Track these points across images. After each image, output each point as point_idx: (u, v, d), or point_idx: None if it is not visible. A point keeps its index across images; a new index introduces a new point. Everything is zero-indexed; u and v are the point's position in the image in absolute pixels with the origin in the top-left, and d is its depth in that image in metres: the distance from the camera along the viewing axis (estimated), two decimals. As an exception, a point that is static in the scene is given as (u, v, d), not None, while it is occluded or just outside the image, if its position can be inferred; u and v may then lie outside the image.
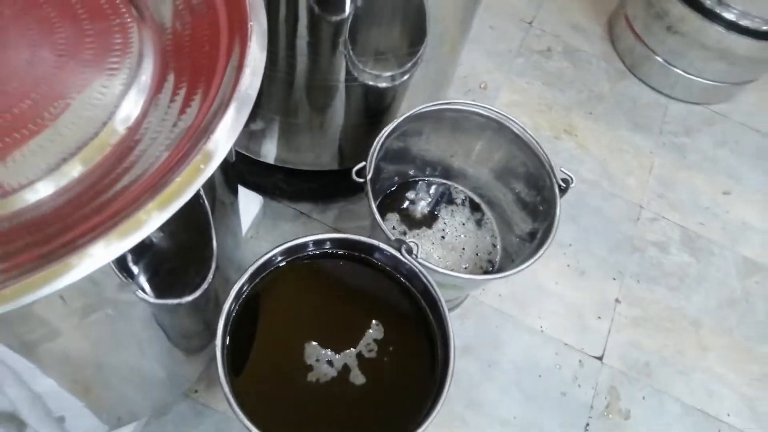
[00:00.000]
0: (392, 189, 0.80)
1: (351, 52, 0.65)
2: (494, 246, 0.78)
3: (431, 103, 0.72)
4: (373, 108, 0.76)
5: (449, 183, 0.83)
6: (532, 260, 0.65)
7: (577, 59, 1.17)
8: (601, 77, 1.16)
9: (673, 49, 1.09)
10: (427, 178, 0.81)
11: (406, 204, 0.80)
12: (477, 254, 0.77)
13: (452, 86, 1.02)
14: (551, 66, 1.15)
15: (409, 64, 0.71)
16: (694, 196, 1.05)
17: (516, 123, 0.73)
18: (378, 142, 0.69)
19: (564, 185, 0.70)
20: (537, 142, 0.71)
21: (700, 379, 0.86)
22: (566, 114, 1.09)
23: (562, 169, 0.69)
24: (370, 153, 0.67)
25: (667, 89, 1.15)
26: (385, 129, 0.70)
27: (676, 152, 1.10)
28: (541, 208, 0.74)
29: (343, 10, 0.60)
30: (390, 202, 0.79)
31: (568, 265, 0.90)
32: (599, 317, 0.87)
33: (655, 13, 1.08)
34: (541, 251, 0.66)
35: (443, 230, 0.77)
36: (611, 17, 1.23)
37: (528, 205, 0.77)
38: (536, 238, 0.73)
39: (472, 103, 0.74)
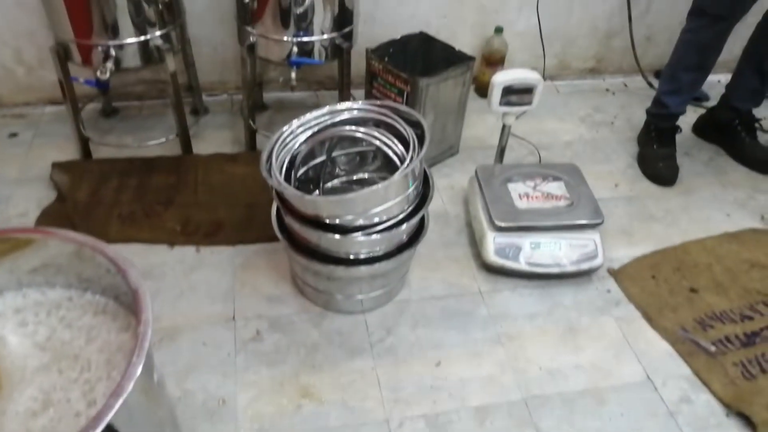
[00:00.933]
0: None
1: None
2: None
3: None
4: None
5: None
6: None
7: (284, 326, 1.39)
8: (307, 329, 1.38)
9: (337, 288, 1.36)
10: None
11: None
12: None
13: (195, 419, 1.16)
14: (267, 345, 1.34)
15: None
16: (419, 382, 1.29)
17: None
18: None
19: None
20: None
21: None
22: (297, 380, 1.28)
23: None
24: None
25: (357, 308, 1.42)
26: None
27: (389, 354, 1.34)
28: None
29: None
30: None
31: None
32: None
33: (310, 270, 1.35)
34: None
35: None
36: (291, 275, 1.49)
37: None
38: None
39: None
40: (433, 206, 1.69)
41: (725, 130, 1.97)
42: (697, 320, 1.42)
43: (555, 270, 1.47)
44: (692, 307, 1.45)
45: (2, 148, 1.86)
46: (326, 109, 1.34)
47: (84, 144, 1.77)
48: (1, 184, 1.71)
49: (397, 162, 1.29)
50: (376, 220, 1.23)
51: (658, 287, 1.50)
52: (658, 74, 2.33)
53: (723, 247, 1.61)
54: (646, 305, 1.45)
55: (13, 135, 1.91)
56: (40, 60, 1.90)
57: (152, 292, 1.43)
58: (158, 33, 1.60)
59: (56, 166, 1.75)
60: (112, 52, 1.55)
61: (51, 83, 1.80)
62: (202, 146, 1.89)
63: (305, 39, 1.60)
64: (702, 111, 2.11)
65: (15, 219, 1.60)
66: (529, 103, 1.53)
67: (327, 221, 1.22)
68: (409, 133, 1.28)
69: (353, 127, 1.34)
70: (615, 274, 1.53)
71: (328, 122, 1.34)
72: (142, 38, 1.57)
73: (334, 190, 1.51)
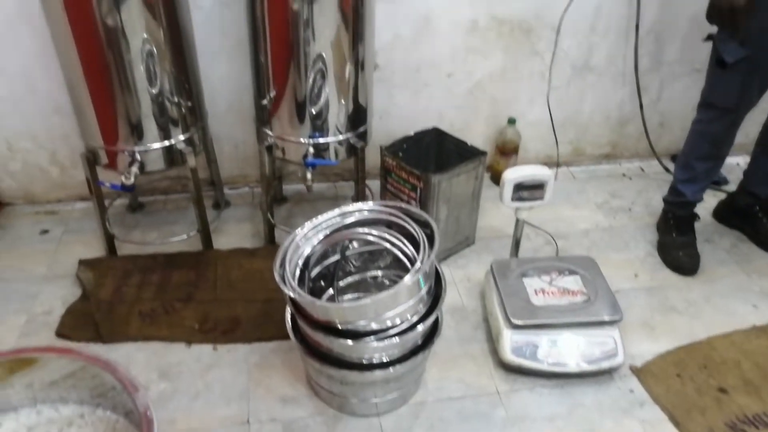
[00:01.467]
0: None
1: None
2: None
3: None
4: None
5: None
6: None
7: (298, 429, 1.36)
8: (320, 437, 1.36)
9: (351, 391, 1.35)
10: None
11: None
12: None
13: None
14: (280, 451, 1.32)
15: None
16: (435, 493, 1.25)
17: None
18: None
19: None
20: None
21: None
22: (309, 490, 1.25)
23: None
24: None
25: (372, 411, 1.39)
26: None
27: (405, 462, 1.31)
28: None
29: None
30: None
31: None
32: None
33: (323, 374, 1.34)
34: None
35: None
36: (306, 376, 1.48)
37: None
38: None
39: None
40: (450, 300, 1.68)
41: (746, 216, 1.95)
42: (728, 424, 1.35)
43: (574, 369, 1.43)
44: (722, 409, 1.38)
45: (33, 245, 1.93)
46: (337, 211, 1.37)
47: (109, 241, 1.84)
48: (29, 282, 1.77)
49: (407, 264, 1.30)
50: (389, 323, 1.23)
51: (684, 387, 1.44)
52: (674, 158, 2.34)
53: (751, 342, 1.56)
54: (672, 407, 1.39)
55: (45, 232, 1.98)
56: (72, 161, 2.01)
57: (168, 394, 1.44)
58: (182, 137, 1.68)
59: (82, 263, 1.81)
60: (138, 156, 1.63)
61: (82, 181, 1.89)
62: (223, 240, 1.93)
63: (321, 140, 1.66)
64: (722, 195, 2.09)
65: (41, 317, 1.64)
66: (541, 198, 1.54)
67: (340, 326, 1.22)
68: (419, 233, 1.30)
69: (365, 229, 1.37)
70: (638, 372, 1.48)
71: (340, 224, 1.37)
72: (166, 143, 1.66)
73: (348, 288, 1.52)
